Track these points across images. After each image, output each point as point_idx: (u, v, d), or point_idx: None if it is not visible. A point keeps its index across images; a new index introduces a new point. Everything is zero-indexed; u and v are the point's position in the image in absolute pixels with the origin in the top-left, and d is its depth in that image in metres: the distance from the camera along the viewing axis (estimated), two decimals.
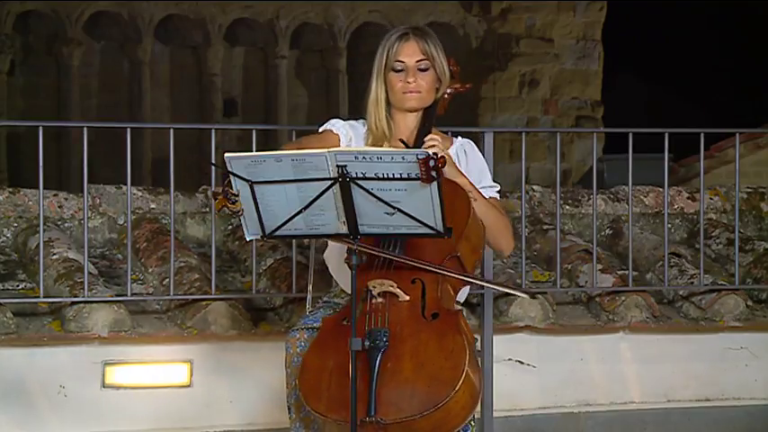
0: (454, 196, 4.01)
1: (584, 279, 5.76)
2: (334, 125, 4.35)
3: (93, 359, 5.12)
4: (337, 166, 3.68)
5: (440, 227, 3.76)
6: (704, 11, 19.08)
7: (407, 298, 3.94)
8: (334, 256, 4.29)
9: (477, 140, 4.75)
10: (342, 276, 4.27)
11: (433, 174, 3.64)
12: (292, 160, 3.71)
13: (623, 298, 5.68)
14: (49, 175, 5.39)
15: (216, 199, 3.84)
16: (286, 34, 15.99)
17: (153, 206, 5.85)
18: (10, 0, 14.84)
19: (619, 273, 5.80)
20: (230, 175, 3.77)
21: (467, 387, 3.74)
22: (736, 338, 5.81)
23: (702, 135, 5.84)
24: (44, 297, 5.14)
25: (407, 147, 4.15)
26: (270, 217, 3.82)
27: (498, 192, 4.41)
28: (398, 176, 3.67)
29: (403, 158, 3.65)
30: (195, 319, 5.23)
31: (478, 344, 4.71)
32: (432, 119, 4.30)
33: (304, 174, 3.72)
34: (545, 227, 6.14)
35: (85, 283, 5.10)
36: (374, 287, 3.93)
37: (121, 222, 5.76)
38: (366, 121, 4.34)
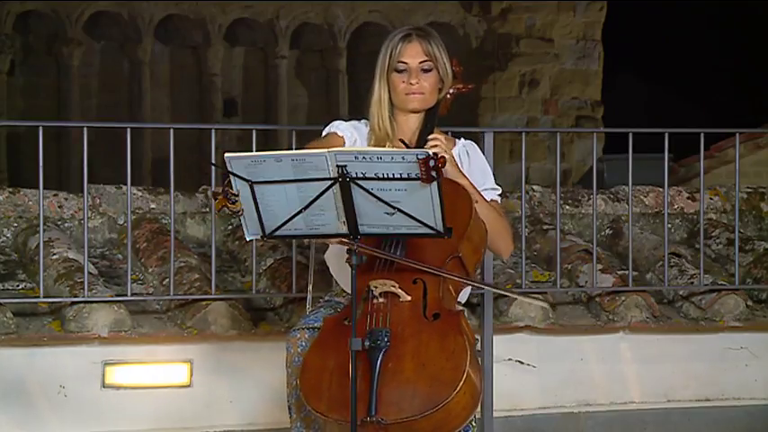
0: (456, 196, 4.01)
1: (584, 279, 5.76)
2: (338, 127, 4.34)
3: (93, 359, 5.12)
4: (337, 166, 3.68)
5: (440, 227, 3.75)
6: (704, 11, 19.08)
7: (409, 298, 3.94)
8: (335, 256, 4.29)
9: (478, 140, 4.75)
10: (343, 277, 4.27)
11: (433, 174, 3.64)
12: (292, 160, 3.71)
13: (623, 298, 5.68)
14: (49, 175, 5.39)
15: (216, 199, 3.83)
16: (286, 34, 15.99)
17: (153, 206, 5.85)
18: (10, 0, 14.84)
19: (619, 273, 5.80)
20: (230, 175, 3.77)
21: (468, 388, 3.74)
22: (736, 338, 5.81)
23: (702, 135, 5.84)
24: (44, 297, 5.14)
25: (408, 147, 4.15)
26: (270, 217, 3.82)
27: (500, 194, 4.41)
28: (398, 176, 3.67)
29: (403, 158, 3.65)
30: (195, 319, 5.23)
31: (478, 344, 4.71)
32: (434, 119, 4.30)
33: (304, 174, 3.72)
34: (545, 227, 6.14)
35: (85, 283, 5.10)
36: (375, 287, 3.93)
37: (121, 222, 5.76)
38: (368, 121, 4.34)
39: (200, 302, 5.25)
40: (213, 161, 4.77)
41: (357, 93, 15.31)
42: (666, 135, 5.77)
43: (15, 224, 5.71)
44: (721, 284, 5.84)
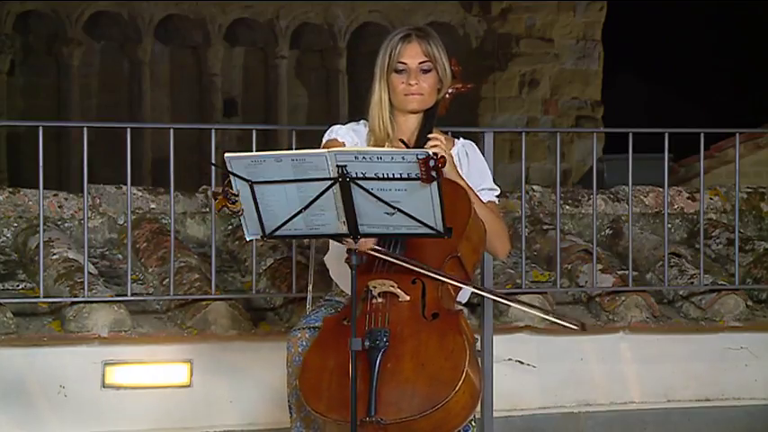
0: (455, 196, 4.01)
1: (584, 279, 5.76)
2: (337, 132, 4.34)
3: (93, 359, 5.12)
4: (337, 166, 3.68)
5: (440, 227, 3.75)
6: (704, 11, 19.08)
7: (408, 298, 3.94)
8: (335, 259, 4.28)
9: (477, 140, 4.75)
10: (342, 280, 4.27)
11: (433, 174, 3.64)
12: (292, 160, 3.71)
13: (623, 298, 5.68)
14: (49, 175, 5.39)
15: (216, 199, 3.84)
16: (286, 34, 15.99)
17: (153, 206, 5.85)
18: (10, 0, 14.84)
19: (619, 273, 5.80)
20: (230, 175, 3.77)
21: (467, 387, 3.74)
22: (736, 338, 5.81)
23: (702, 135, 5.84)
24: (44, 297, 5.15)
25: (408, 147, 4.15)
26: (270, 217, 3.82)
27: (498, 195, 4.41)
28: (398, 176, 3.67)
29: (403, 158, 3.65)
30: (195, 319, 5.23)
31: (478, 344, 4.70)
32: (433, 119, 4.30)
33: (304, 174, 3.72)
34: (545, 227, 6.14)
35: (85, 283, 5.10)
36: (374, 287, 3.94)
37: (121, 222, 5.76)
38: (366, 121, 4.34)
39: (200, 302, 5.25)
40: (213, 161, 4.77)
41: (357, 93, 15.30)
42: (666, 135, 5.77)
43: (15, 224, 5.71)
44: (721, 284, 5.84)
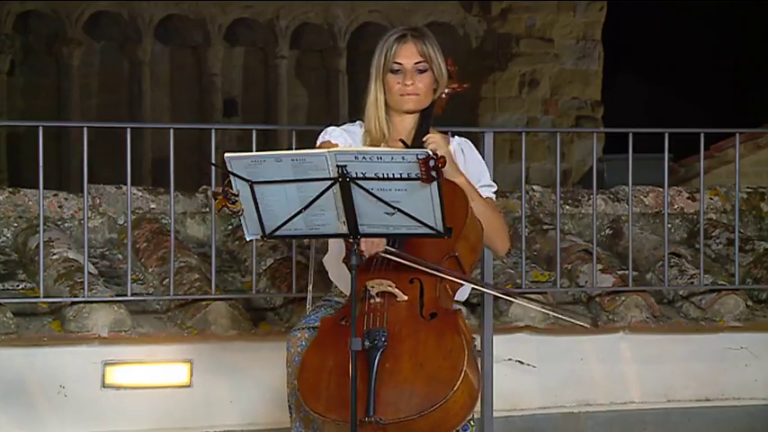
0: (453, 196, 4.01)
1: (584, 279, 5.76)
2: (331, 134, 4.32)
3: (93, 359, 5.12)
4: (337, 165, 3.68)
5: (440, 227, 3.75)
6: (704, 11, 19.08)
7: (406, 298, 3.94)
8: (334, 260, 4.28)
9: (477, 140, 4.75)
10: (341, 281, 4.27)
11: (433, 174, 3.64)
12: (292, 160, 3.71)
13: (623, 298, 5.68)
14: (49, 175, 5.39)
15: (216, 199, 3.84)
16: (286, 34, 15.99)
17: (153, 206, 5.85)
18: (10, 0, 14.84)
19: (619, 273, 5.80)
20: (230, 175, 3.77)
21: (465, 387, 3.74)
22: (736, 338, 5.81)
23: (702, 135, 5.84)
24: (44, 297, 5.15)
25: (407, 147, 4.14)
26: (270, 217, 3.82)
27: (495, 192, 4.40)
28: (398, 176, 3.67)
29: (403, 158, 3.65)
30: (195, 319, 5.23)
31: (478, 344, 4.71)
32: (429, 119, 4.30)
33: (304, 174, 3.72)
34: (545, 227, 6.14)
35: (85, 283, 5.10)
36: (372, 287, 3.94)
37: (121, 222, 5.76)
38: (362, 122, 4.34)
39: (200, 302, 5.25)
40: (213, 161, 4.77)
41: (357, 93, 15.29)
42: (666, 135, 5.77)
43: (15, 224, 5.72)
44: (721, 284, 5.84)
